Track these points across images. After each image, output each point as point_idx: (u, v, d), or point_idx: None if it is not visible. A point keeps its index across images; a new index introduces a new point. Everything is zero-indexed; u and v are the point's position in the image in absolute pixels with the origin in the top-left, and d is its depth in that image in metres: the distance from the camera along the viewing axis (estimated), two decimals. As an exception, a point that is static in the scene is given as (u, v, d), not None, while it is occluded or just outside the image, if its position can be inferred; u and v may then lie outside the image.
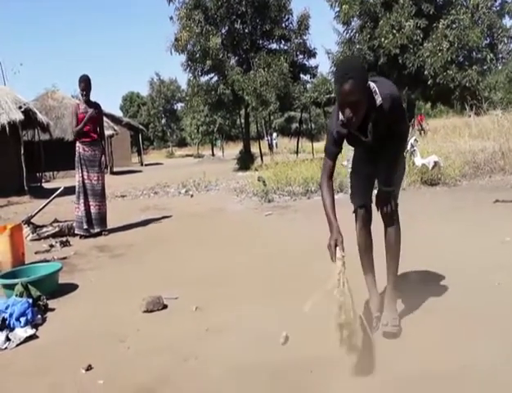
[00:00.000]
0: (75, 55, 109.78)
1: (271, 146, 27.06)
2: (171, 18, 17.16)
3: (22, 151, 12.26)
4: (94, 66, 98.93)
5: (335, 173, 2.33)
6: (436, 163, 7.92)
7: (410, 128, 9.16)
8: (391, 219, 2.42)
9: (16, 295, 3.17)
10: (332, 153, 2.33)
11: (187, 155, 39.03)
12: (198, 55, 16.43)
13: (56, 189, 6.44)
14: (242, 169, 16.73)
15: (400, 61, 15.26)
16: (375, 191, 2.54)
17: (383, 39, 15.02)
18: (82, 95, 5.94)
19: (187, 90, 20.12)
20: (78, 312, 3.17)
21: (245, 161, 17.51)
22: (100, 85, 48.01)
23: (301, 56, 18.20)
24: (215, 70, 17.22)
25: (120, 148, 26.81)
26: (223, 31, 17.38)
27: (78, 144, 5.92)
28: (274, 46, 18.18)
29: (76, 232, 5.84)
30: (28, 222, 5.87)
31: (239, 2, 16.63)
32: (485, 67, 15.63)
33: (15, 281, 3.34)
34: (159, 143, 53.24)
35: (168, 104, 49.26)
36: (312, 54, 18.17)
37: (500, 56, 16.04)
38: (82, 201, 5.83)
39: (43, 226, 5.97)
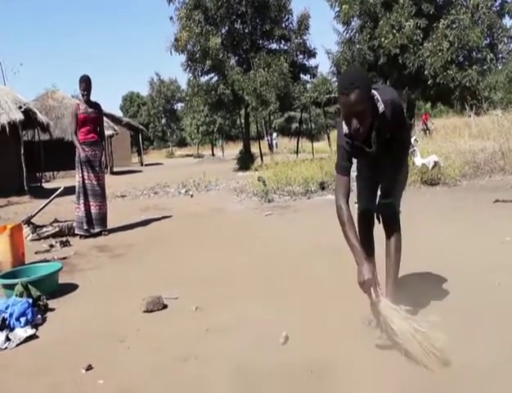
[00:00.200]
0: (75, 55, 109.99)
1: (271, 146, 27.06)
2: (171, 18, 17.19)
3: (22, 151, 12.25)
4: (94, 66, 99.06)
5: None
6: (436, 163, 7.92)
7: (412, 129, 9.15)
8: (392, 228, 2.41)
9: (16, 295, 3.17)
10: (344, 167, 2.28)
11: (187, 155, 39.04)
12: (198, 55, 16.43)
13: (56, 189, 6.44)
14: (242, 169, 16.73)
15: (400, 61, 15.26)
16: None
17: (383, 39, 15.02)
18: (82, 95, 5.93)
19: (187, 90, 20.12)
20: (78, 312, 3.17)
21: (245, 161, 17.51)
22: (100, 85, 48.04)
23: (301, 56, 18.20)
24: (215, 70, 17.22)
25: (120, 148, 26.82)
26: (223, 31, 17.37)
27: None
28: (274, 46, 18.20)
29: (76, 232, 5.84)
30: (28, 222, 5.87)
31: (239, 2, 16.62)
32: (485, 67, 15.62)
33: (15, 281, 3.34)
34: (159, 143, 53.25)
35: (168, 104, 49.28)
36: (312, 54, 18.17)
37: (500, 56, 16.03)
38: (82, 201, 5.83)
39: (43, 226, 5.97)
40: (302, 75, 18.70)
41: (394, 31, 14.87)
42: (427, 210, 5.80)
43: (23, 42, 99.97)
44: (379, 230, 2.56)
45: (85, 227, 5.80)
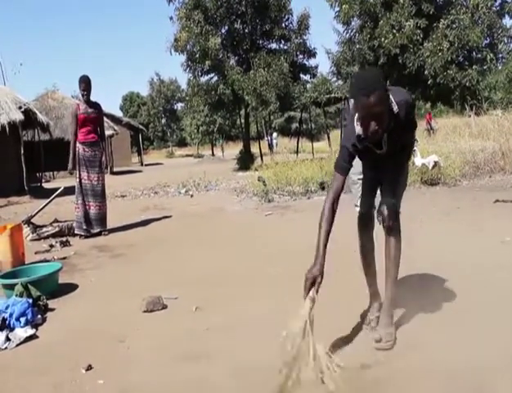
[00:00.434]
0: (75, 55, 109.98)
1: (271, 146, 27.06)
2: (171, 18, 17.22)
3: (22, 151, 12.24)
4: (94, 66, 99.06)
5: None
6: (436, 163, 7.93)
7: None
8: (391, 229, 2.41)
9: (16, 295, 3.17)
10: (344, 168, 2.27)
11: (187, 155, 39.01)
12: (198, 55, 16.43)
13: (56, 189, 6.44)
14: (242, 169, 16.73)
15: (400, 61, 15.25)
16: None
17: (383, 39, 15.01)
18: (82, 95, 5.93)
19: (187, 90, 20.11)
20: (78, 312, 3.17)
21: (245, 161, 17.50)
22: (100, 85, 48.00)
23: (301, 56, 18.22)
24: (215, 70, 17.23)
25: (120, 148, 26.80)
26: (223, 31, 17.40)
27: (78, 144, 5.91)
28: (274, 46, 18.21)
29: (76, 232, 5.84)
30: (28, 222, 5.87)
31: (239, 2, 16.63)
32: (485, 67, 15.62)
33: (15, 281, 3.34)
34: (159, 143, 53.24)
35: (168, 104, 49.30)
36: (312, 54, 18.18)
37: (500, 56, 16.04)
38: (82, 201, 5.83)
39: (43, 226, 5.97)
40: (302, 75, 18.72)
41: (394, 31, 14.87)
42: (427, 210, 5.80)
43: (23, 42, 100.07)
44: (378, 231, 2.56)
45: (85, 227, 5.80)
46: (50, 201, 6.20)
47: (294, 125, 36.80)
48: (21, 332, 2.76)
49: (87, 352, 2.50)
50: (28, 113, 12.32)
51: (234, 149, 31.84)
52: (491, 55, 15.13)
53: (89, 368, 2.30)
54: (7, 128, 11.51)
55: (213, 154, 36.05)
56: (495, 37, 15.41)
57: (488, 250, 3.75)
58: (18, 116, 11.78)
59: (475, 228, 4.64)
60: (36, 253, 5.00)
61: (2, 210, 9.40)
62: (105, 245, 5.36)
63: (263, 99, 16.53)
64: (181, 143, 51.45)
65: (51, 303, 3.30)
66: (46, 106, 20.24)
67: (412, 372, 2.05)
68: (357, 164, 2.58)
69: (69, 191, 6.81)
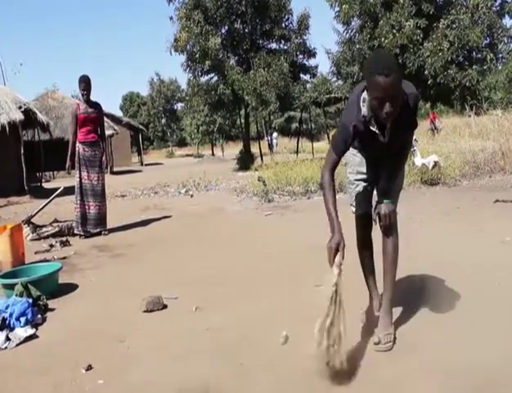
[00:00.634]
0: (75, 55, 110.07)
1: (271, 146, 27.05)
2: (171, 18, 17.21)
3: (22, 151, 12.24)
4: (94, 66, 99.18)
5: (335, 174, 2.29)
6: (436, 163, 7.92)
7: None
8: (389, 229, 2.41)
9: (16, 295, 3.17)
10: (340, 150, 2.24)
11: (187, 155, 39.03)
12: (197, 55, 16.42)
13: (56, 189, 6.44)
14: (242, 169, 16.73)
15: (400, 61, 15.25)
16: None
17: (383, 39, 15.02)
18: (82, 95, 5.93)
19: (187, 90, 20.11)
20: (78, 312, 3.17)
21: (245, 161, 17.50)
22: (100, 85, 48.02)
23: (301, 56, 18.21)
24: (215, 69, 17.22)
25: (120, 148, 26.82)
26: (223, 31, 17.39)
27: (78, 144, 5.91)
28: (274, 46, 18.21)
29: (76, 232, 5.84)
30: (28, 222, 5.87)
31: (239, 1, 16.63)
32: (485, 67, 15.64)
33: (15, 281, 3.34)
34: (159, 143, 53.27)
35: (168, 104, 49.32)
36: (312, 54, 18.18)
37: (500, 56, 16.06)
38: (82, 201, 5.83)
39: (43, 226, 5.97)
40: (302, 75, 18.72)
41: (394, 31, 14.89)
42: (427, 210, 5.79)
43: (23, 42, 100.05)
44: (376, 230, 2.56)
45: (83, 227, 5.80)
46: (50, 201, 6.20)
47: (294, 125, 36.80)
48: (21, 332, 2.76)
49: (87, 352, 2.50)
50: (28, 113, 12.32)
51: (234, 149, 31.85)
52: (491, 55, 15.14)
53: (89, 368, 2.30)
54: (7, 128, 11.51)
55: (213, 154, 36.06)
56: (495, 37, 15.42)
57: (488, 250, 3.75)
58: (18, 116, 11.78)
59: (475, 228, 4.63)
60: (36, 253, 5.00)
61: (2, 209, 9.40)
62: (105, 245, 5.36)
63: (263, 99, 16.53)
64: (181, 143, 51.47)
65: (51, 303, 3.30)
66: (46, 106, 20.25)
67: (412, 372, 2.05)
68: (355, 164, 2.58)
69: (68, 191, 6.81)
